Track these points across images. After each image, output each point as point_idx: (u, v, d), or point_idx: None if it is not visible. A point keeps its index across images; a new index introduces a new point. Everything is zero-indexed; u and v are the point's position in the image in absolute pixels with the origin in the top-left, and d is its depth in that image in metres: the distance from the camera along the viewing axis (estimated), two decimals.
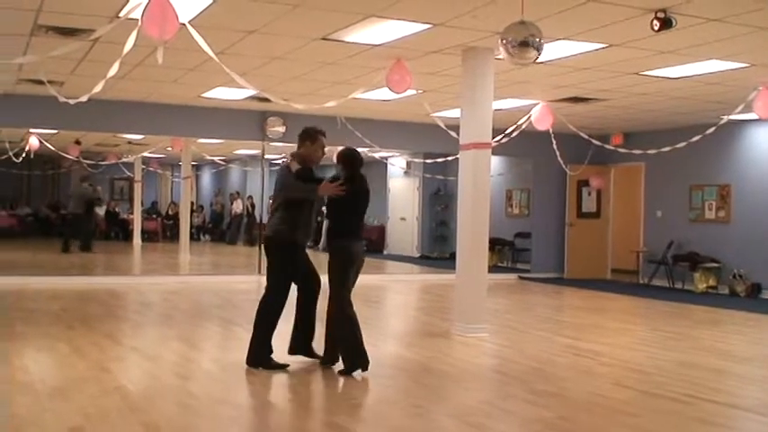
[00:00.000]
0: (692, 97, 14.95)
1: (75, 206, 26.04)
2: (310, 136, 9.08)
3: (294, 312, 9.07)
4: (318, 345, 9.05)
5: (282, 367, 8.79)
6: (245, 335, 8.91)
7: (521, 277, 21.53)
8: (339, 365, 8.79)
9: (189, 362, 9.27)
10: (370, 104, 16.84)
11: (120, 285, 17.20)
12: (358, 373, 8.65)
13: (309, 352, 9.15)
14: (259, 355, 8.79)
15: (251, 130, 18.83)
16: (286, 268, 8.88)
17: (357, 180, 8.94)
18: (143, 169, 32.60)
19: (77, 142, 25.07)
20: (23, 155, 23.32)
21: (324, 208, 9.35)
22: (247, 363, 8.81)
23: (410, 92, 13.88)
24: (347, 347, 8.77)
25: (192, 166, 27.55)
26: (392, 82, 12.14)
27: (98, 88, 10.47)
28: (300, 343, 9.13)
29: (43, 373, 8.51)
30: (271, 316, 8.83)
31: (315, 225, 9.47)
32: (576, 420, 7.13)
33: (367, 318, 13.25)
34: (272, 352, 8.85)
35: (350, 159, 9.04)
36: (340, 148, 9.46)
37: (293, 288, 8.97)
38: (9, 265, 20.85)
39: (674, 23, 9.12)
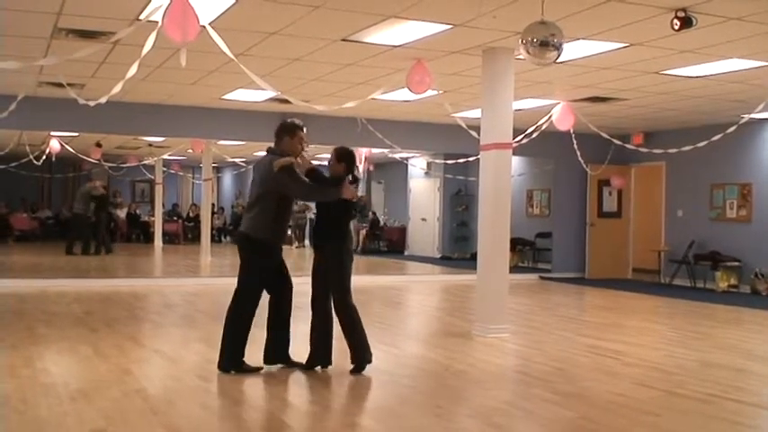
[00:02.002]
0: (713, 96, 14.90)
1: (77, 206, 26.15)
2: (289, 130, 8.89)
3: (266, 318, 8.94)
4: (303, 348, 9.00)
5: (257, 370, 8.67)
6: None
7: (542, 277, 21.51)
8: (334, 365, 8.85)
9: (210, 363, 9.27)
10: (391, 105, 16.84)
11: (141, 287, 17.25)
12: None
13: (288, 359, 8.96)
14: (233, 360, 8.62)
15: (271, 131, 18.67)
16: (266, 270, 8.69)
17: (355, 178, 8.88)
18: (164, 171, 32.72)
19: (98, 145, 25.18)
20: (44, 158, 23.41)
21: (310, 205, 9.15)
22: (220, 367, 8.64)
23: (431, 92, 13.85)
24: (363, 346, 8.78)
25: (213, 167, 27.62)
26: (412, 83, 12.13)
27: (117, 89, 10.49)
28: (279, 350, 8.90)
29: (65, 375, 8.54)
30: (245, 320, 8.63)
31: (302, 223, 9.24)
32: (598, 420, 7.10)
33: (388, 318, 13.28)
34: (243, 355, 8.70)
35: (352, 157, 8.97)
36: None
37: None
38: (31, 267, 20.98)
39: (694, 22, 9.10)
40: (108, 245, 26.22)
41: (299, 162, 8.73)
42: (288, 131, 8.88)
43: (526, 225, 24.32)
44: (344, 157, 8.87)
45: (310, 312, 8.87)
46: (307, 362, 8.87)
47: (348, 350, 8.81)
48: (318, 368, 8.89)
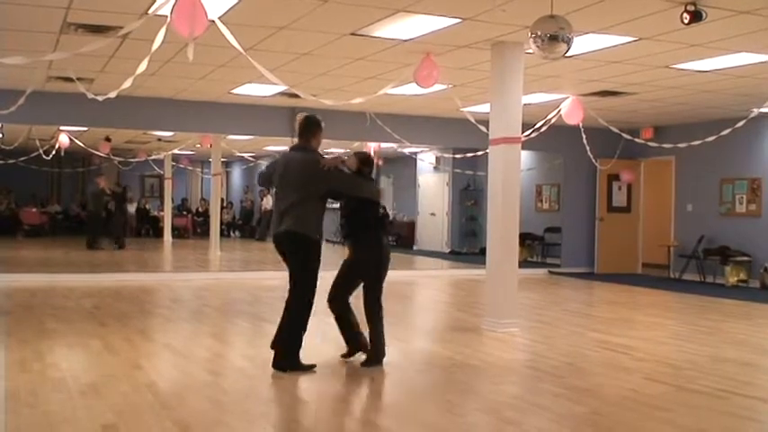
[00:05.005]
0: (723, 90, 14.87)
1: (89, 204, 26.36)
2: (319, 125, 8.83)
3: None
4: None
5: (311, 368, 8.57)
6: (274, 331, 8.86)
7: (551, 272, 21.52)
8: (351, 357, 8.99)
9: (220, 358, 9.30)
10: (400, 100, 16.83)
11: (151, 282, 17.28)
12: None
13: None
14: (297, 358, 8.52)
15: (280, 126, 18.85)
16: (318, 264, 8.55)
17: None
18: (173, 166, 32.77)
19: (107, 139, 25.21)
20: (53, 152, 23.45)
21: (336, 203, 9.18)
22: (279, 367, 8.46)
23: (440, 87, 13.84)
24: (382, 340, 8.84)
25: (222, 162, 27.66)
26: (420, 77, 12.11)
27: (126, 84, 10.48)
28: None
29: (75, 369, 8.55)
30: (308, 317, 8.56)
31: (344, 221, 9.14)
32: (608, 415, 7.10)
33: (397, 313, 13.26)
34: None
35: (372, 163, 9.25)
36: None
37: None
38: (40, 262, 21.02)
39: (703, 16, 9.05)
40: (122, 240, 26.39)
41: (344, 160, 8.74)
42: (319, 126, 8.80)
43: (535, 220, 24.29)
44: (367, 163, 9.05)
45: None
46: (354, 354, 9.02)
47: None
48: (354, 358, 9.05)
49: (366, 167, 8.97)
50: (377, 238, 8.94)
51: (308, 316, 8.57)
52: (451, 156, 23.31)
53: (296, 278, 8.57)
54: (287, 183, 8.66)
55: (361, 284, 8.95)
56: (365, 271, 8.88)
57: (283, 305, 8.67)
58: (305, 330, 8.56)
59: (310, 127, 8.79)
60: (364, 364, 8.80)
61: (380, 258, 8.89)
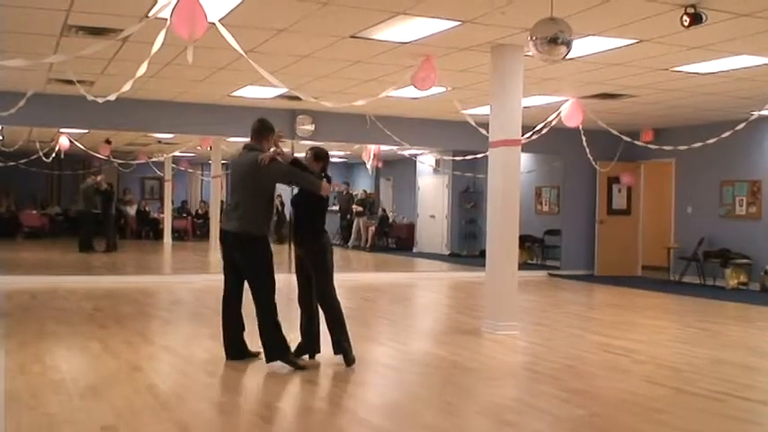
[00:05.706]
0: (723, 93, 14.87)
1: (81, 203, 26.17)
2: (272, 129, 9.15)
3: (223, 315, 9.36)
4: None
5: (306, 368, 8.71)
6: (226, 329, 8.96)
7: (551, 274, 21.49)
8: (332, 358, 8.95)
9: (220, 360, 9.28)
10: (400, 102, 16.82)
11: (151, 284, 17.26)
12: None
13: (246, 351, 9.21)
14: (284, 348, 8.73)
15: (280, 128, 18.80)
16: (272, 262, 8.82)
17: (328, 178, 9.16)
18: (173, 168, 32.74)
19: (108, 141, 25.17)
20: (53, 155, 23.44)
21: (289, 203, 9.23)
22: (271, 359, 8.70)
23: (440, 89, 13.84)
24: (347, 337, 8.93)
25: (222, 164, 27.65)
26: (417, 80, 12.11)
27: (126, 87, 10.47)
28: (240, 345, 9.19)
29: (75, 371, 8.56)
30: (276, 315, 8.80)
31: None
32: (608, 418, 7.10)
33: (397, 315, 13.28)
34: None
35: (328, 158, 9.37)
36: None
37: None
38: (40, 264, 21.01)
39: (704, 19, 9.05)
40: (113, 242, 26.18)
41: (282, 153, 8.87)
42: (272, 131, 9.14)
43: (535, 222, 24.27)
44: (321, 157, 9.23)
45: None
46: (295, 351, 8.99)
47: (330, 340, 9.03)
48: (306, 357, 9.03)
49: (318, 162, 9.11)
50: (319, 230, 9.00)
51: (276, 313, 8.80)
52: (451, 158, 23.29)
53: (253, 281, 8.91)
54: (234, 183, 9.14)
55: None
56: (311, 263, 8.93)
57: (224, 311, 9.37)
58: (280, 329, 8.76)
59: (263, 131, 9.13)
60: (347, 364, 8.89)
61: (325, 249, 8.95)
